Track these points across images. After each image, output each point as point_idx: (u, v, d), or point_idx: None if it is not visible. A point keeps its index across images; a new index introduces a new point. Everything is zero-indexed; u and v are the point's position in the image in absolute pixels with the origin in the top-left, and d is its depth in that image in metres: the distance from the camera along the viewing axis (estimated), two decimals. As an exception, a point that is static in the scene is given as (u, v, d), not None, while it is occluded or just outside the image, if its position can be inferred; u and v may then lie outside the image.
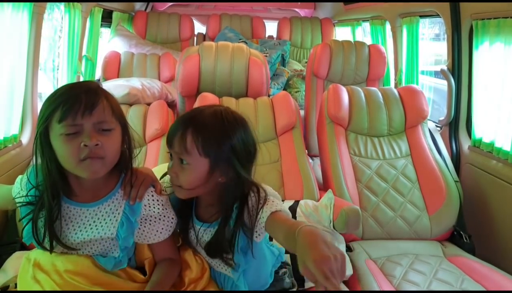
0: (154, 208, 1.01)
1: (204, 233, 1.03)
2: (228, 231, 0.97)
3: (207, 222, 1.03)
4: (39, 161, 0.93)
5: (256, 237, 0.97)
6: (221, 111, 0.98)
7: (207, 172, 0.94)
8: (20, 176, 1.02)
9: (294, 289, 1.23)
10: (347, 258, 1.55)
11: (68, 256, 0.98)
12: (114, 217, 0.98)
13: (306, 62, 3.46)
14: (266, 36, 4.28)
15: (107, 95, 0.94)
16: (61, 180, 0.93)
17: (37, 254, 1.00)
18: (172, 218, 1.04)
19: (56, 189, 0.93)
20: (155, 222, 1.01)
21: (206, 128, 0.94)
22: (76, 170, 0.91)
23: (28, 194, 0.95)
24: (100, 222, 0.98)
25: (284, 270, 1.20)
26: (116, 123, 0.94)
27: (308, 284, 1.43)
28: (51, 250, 0.97)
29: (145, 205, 1.00)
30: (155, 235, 1.02)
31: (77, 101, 0.87)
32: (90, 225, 0.98)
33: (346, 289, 1.44)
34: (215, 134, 0.94)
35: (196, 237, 1.05)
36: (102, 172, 0.93)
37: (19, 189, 0.99)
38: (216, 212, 1.00)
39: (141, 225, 1.01)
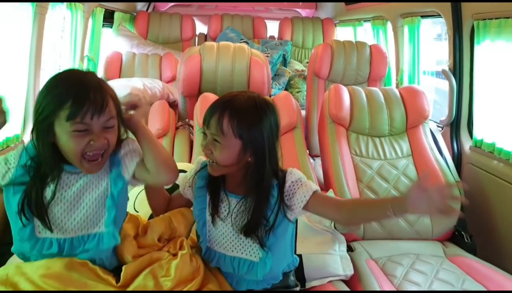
0: (130, 153, 1.05)
1: (237, 204, 1.10)
2: (266, 210, 1.06)
3: (236, 193, 1.11)
4: (36, 143, 0.96)
5: (291, 215, 1.08)
6: (255, 97, 1.07)
7: (238, 152, 1.03)
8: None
9: (297, 289, 1.24)
10: (348, 258, 1.55)
11: (38, 262, 0.98)
12: (105, 170, 1.03)
13: (307, 62, 3.47)
14: (268, 36, 4.28)
15: (110, 91, 0.98)
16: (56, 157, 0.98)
17: (4, 270, 0.98)
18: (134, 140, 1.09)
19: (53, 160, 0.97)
20: (132, 155, 1.05)
21: (241, 112, 1.03)
22: (78, 165, 0.96)
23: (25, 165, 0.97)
24: (95, 178, 1.02)
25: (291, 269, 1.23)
26: (116, 117, 0.99)
27: (309, 284, 1.43)
28: (49, 225, 0.98)
29: (123, 155, 1.04)
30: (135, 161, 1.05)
31: (86, 101, 0.90)
32: (85, 182, 1.01)
33: (346, 289, 1.45)
34: (249, 118, 1.03)
35: (229, 209, 1.11)
36: (102, 166, 1.01)
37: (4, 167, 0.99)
38: (244, 188, 1.09)
39: (124, 165, 1.05)
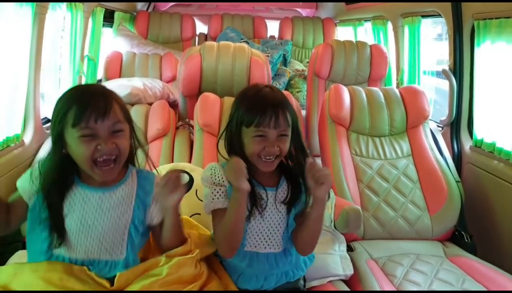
0: (159, 207, 1.09)
1: (273, 195, 1.16)
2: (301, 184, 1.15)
3: (270, 186, 1.16)
4: (51, 156, 1.00)
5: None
6: (273, 87, 1.16)
7: (291, 139, 1.12)
8: (28, 172, 1.04)
9: (304, 288, 1.27)
10: (348, 258, 1.55)
11: (37, 264, 0.99)
12: (129, 199, 1.06)
13: (307, 62, 3.47)
14: (268, 36, 4.28)
15: (115, 97, 1.02)
16: (75, 170, 1.02)
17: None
18: None
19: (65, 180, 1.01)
20: (160, 212, 1.09)
21: (286, 104, 1.12)
22: (91, 172, 0.99)
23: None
24: (117, 205, 1.04)
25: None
26: (125, 122, 1.02)
27: (309, 284, 1.43)
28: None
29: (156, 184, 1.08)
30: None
31: (89, 106, 0.95)
32: (106, 207, 1.03)
33: (346, 289, 1.45)
34: (291, 107, 1.13)
35: (266, 203, 1.15)
36: (116, 173, 1.02)
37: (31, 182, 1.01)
38: (276, 175, 1.16)
39: (151, 205, 1.08)
